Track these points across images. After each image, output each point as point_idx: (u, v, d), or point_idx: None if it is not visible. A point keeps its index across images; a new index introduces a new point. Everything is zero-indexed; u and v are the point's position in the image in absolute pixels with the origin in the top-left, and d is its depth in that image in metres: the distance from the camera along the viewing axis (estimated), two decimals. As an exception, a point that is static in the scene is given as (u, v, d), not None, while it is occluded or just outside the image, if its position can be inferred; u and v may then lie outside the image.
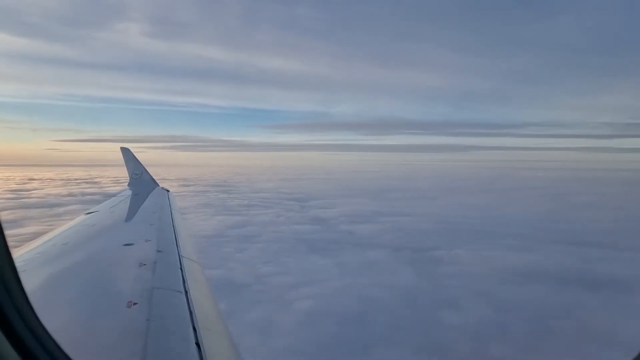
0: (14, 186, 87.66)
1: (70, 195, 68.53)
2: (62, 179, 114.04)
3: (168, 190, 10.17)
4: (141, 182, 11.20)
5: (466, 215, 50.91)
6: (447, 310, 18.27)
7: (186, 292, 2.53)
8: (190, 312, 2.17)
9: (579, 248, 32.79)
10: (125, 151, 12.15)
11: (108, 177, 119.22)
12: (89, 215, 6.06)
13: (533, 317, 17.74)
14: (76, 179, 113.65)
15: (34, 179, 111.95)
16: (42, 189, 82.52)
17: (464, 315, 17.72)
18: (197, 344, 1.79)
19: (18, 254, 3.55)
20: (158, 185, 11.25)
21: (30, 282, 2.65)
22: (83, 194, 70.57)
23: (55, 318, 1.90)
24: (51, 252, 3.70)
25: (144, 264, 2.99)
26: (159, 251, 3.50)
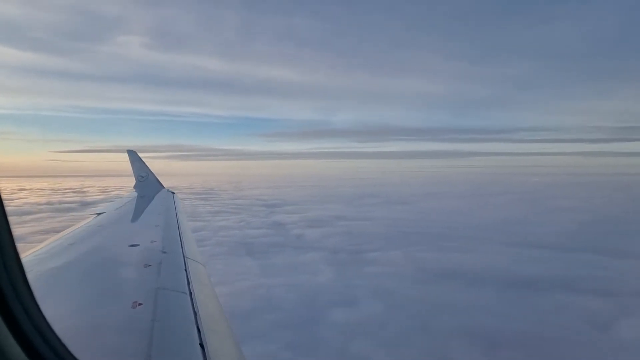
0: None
1: (47, 204, 69.59)
2: (52, 189, 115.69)
3: (174, 193, 10.29)
4: (147, 184, 11.31)
5: (431, 220, 50.97)
6: (337, 308, 18.43)
7: (191, 293, 2.54)
8: (195, 313, 2.18)
9: (522, 249, 32.74)
10: (132, 153, 12.23)
11: (98, 187, 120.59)
12: (95, 216, 6.16)
13: (418, 314, 17.85)
14: (66, 189, 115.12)
15: (24, 189, 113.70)
16: (25, 198, 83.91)
17: (350, 313, 17.87)
18: (201, 345, 1.79)
19: (26, 255, 3.60)
20: (164, 187, 11.37)
21: (38, 282, 2.70)
22: (60, 203, 71.77)
23: (61, 317, 1.95)
24: (58, 252, 3.73)
25: (149, 265, 3.01)
26: (164, 252, 3.52)
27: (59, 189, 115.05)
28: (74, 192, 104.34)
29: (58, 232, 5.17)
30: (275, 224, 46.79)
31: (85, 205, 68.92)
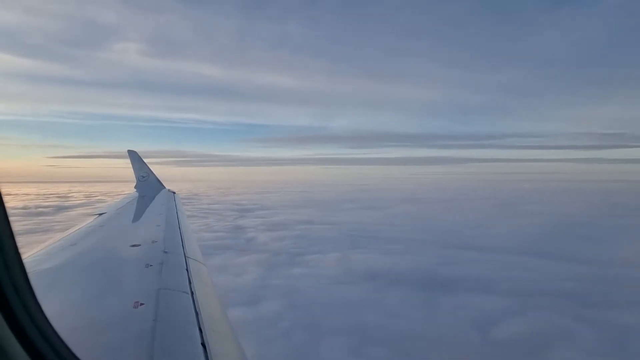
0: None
1: (22, 208, 70.01)
2: (38, 194, 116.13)
3: (174, 192, 10.35)
4: (148, 184, 11.34)
5: (393, 224, 51.23)
6: (232, 308, 18.70)
7: (192, 293, 2.53)
8: (196, 313, 2.17)
9: (464, 252, 33.03)
10: (132, 154, 12.19)
11: (85, 193, 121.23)
12: (97, 216, 6.17)
13: (310, 314, 18.12)
14: (51, 194, 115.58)
15: (10, 194, 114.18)
16: (6, 203, 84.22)
17: (242, 312, 18.13)
18: (203, 345, 1.79)
19: (28, 255, 3.61)
20: (164, 187, 11.42)
21: (40, 282, 2.70)
22: (37, 207, 72.14)
23: (63, 317, 1.95)
24: (60, 253, 3.72)
25: (151, 265, 3.00)
26: (165, 252, 3.51)
27: (44, 194, 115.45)
28: (58, 197, 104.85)
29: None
30: (236, 227, 47.10)
31: (59, 209, 69.52)
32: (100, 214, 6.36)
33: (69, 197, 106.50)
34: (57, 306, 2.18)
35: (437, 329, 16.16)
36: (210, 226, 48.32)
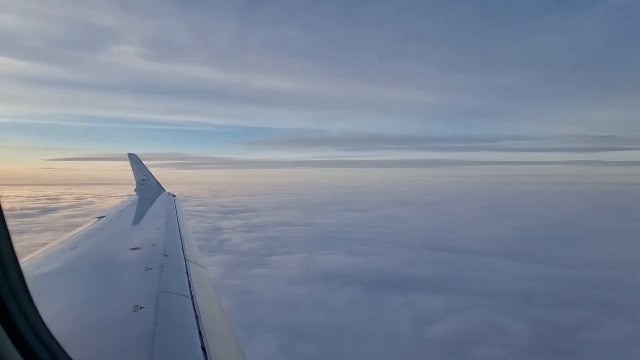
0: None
1: (8, 210, 69.99)
2: (29, 196, 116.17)
3: (174, 195, 10.31)
4: (148, 187, 11.29)
5: (370, 226, 51.34)
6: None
7: (192, 296, 2.52)
8: (196, 317, 2.16)
9: (431, 253, 33.19)
10: (132, 157, 12.16)
11: (77, 195, 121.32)
12: (97, 219, 6.16)
13: (250, 313, 18.19)
14: (42, 196, 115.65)
15: (1, 196, 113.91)
16: (2, 206, 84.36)
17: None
18: (203, 348, 1.78)
19: (27, 258, 3.59)
20: (164, 190, 11.39)
21: (39, 286, 2.68)
22: (22, 209, 72.30)
23: (62, 321, 1.95)
24: (59, 256, 3.71)
25: (151, 268, 2.99)
26: (165, 255, 3.49)
27: (35, 197, 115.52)
28: (48, 199, 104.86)
29: None
30: (214, 229, 47.20)
31: (44, 211, 69.68)
32: (100, 217, 6.35)
33: (59, 199, 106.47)
34: (56, 310, 2.17)
35: (370, 327, 16.27)
36: (190, 227, 48.43)
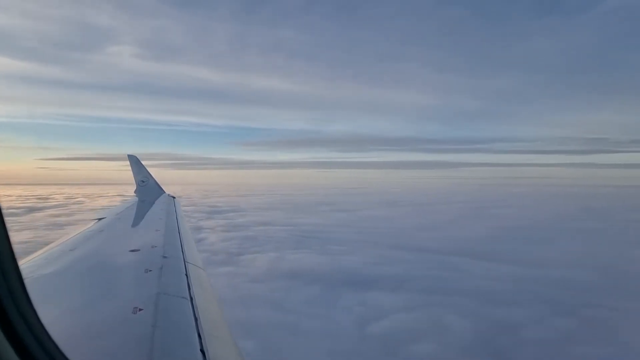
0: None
1: (5, 210, 70.02)
2: (19, 196, 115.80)
3: (174, 197, 10.29)
4: (147, 189, 11.32)
5: (350, 226, 51.52)
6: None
7: (191, 298, 2.52)
8: (196, 319, 2.16)
9: (400, 253, 33.25)
10: (132, 158, 12.11)
11: (68, 195, 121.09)
12: (96, 221, 6.17)
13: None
14: (33, 196, 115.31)
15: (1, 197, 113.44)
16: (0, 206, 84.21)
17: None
18: (202, 351, 1.78)
19: (26, 260, 3.58)
20: (164, 191, 11.38)
21: (38, 287, 2.67)
22: (9, 208, 72.13)
23: (61, 323, 1.95)
24: (59, 257, 3.70)
25: (150, 270, 2.98)
26: (164, 257, 3.50)
27: (26, 196, 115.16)
28: (38, 199, 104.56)
29: None
30: (194, 228, 47.14)
31: (30, 211, 69.54)
32: (100, 219, 6.35)
33: (48, 199, 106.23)
34: (55, 312, 2.17)
35: (317, 324, 16.42)
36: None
